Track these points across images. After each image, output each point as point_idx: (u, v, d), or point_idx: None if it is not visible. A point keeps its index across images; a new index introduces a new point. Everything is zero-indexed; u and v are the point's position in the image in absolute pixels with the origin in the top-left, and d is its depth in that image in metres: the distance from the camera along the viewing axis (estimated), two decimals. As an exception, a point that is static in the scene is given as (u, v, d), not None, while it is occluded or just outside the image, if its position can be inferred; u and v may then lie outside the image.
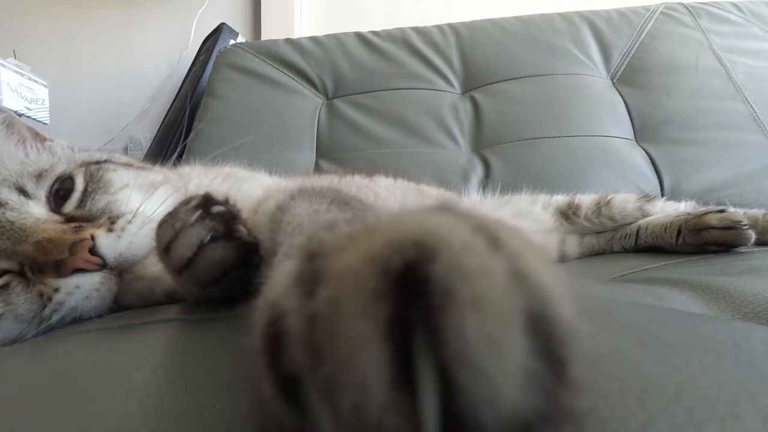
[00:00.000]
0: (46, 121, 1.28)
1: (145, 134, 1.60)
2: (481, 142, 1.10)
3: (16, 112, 1.20)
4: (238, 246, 0.26)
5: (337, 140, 1.11)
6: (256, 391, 0.10)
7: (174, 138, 1.26)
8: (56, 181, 0.37)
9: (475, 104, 1.14)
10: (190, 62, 1.60)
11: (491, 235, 0.10)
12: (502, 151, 1.06)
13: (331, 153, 1.10)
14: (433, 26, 1.26)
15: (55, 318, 0.31)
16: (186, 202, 0.26)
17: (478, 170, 1.05)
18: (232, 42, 1.48)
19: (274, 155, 1.02)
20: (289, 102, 1.16)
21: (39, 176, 0.37)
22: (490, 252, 0.10)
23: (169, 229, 0.25)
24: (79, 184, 0.37)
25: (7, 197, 0.35)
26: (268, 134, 1.09)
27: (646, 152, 1.02)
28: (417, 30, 1.26)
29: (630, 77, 1.11)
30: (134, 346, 0.22)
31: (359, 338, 0.09)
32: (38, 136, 0.43)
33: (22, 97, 1.16)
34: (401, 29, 1.27)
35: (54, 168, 0.38)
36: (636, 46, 1.14)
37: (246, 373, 0.11)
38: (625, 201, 0.68)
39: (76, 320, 0.31)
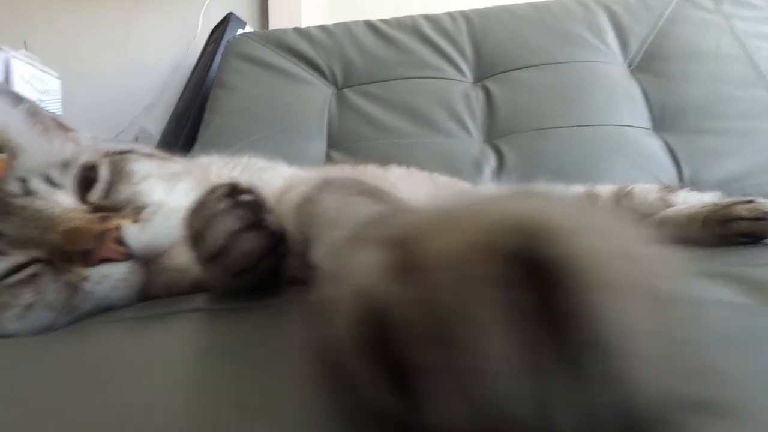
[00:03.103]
0: (58, 112, 1.28)
1: (155, 125, 1.59)
2: (493, 132, 1.08)
3: (27, 103, 1.20)
4: (267, 235, 0.25)
5: (348, 130, 1.10)
6: (337, 381, 0.10)
7: (184, 129, 1.26)
8: (81, 170, 0.37)
9: (487, 93, 1.12)
10: (198, 52, 1.59)
11: (598, 219, 0.10)
12: (516, 140, 1.04)
13: (341, 143, 1.09)
14: (444, 13, 1.24)
15: (83, 307, 0.31)
16: (213, 191, 0.25)
17: (491, 160, 1.03)
18: (240, 32, 1.46)
19: (284, 146, 1.01)
20: (298, 92, 1.15)
21: (65, 165, 0.37)
22: (609, 235, 0.10)
23: (198, 219, 0.24)
24: (104, 174, 0.37)
25: (36, 186, 0.35)
26: (278, 125, 1.08)
27: (665, 142, 0.99)
28: (427, 17, 1.23)
29: (648, 64, 1.08)
30: (163, 336, 0.21)
31: (479, 324, 0.08)
32: (61, 126, 0.43)
33: (35, 89, 1.17)
34: (411, 17, 1.24)
35: (78, 157, 0.38)
36: (655, 31, 1.10)
37: (315, 364, 0.10)
38: (646, 191, 0.67)
39: (104, 310, 0.31)
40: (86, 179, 0.37)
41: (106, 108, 1.62)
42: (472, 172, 1.00)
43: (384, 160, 0.82)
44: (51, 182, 0.36)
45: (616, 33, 1.13)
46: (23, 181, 0.35)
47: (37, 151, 0.39)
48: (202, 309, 0.25)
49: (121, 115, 1.58)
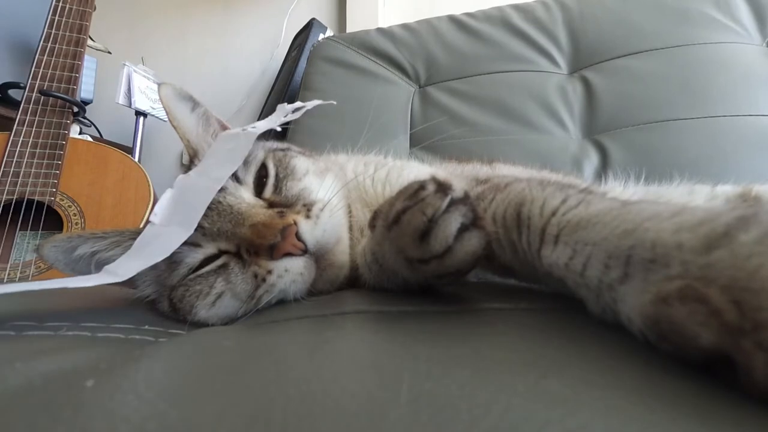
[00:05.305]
0: (165, 119, 1.42)
1: (242, 129, 1.70)
2: (594, 127, 0.98)
3: (144, 111, 1.36)
4: (486, 234, 0.23)
5: (431, 128, 1.07)
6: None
7: (272, 132, 1.32)
8: (258, 167, 0.39)
9: (586, 84, 1.02)
10: (281, 59, 1.68)
11: None
12: (622, 136, 0.93)
13: (425, 141, 1.06)
14: (535, 1, 1.15)
15: (265, 299, 0.32)
16: (418, 187, 0.24)
17: (593, 158, 0.93)
18: (321, 36, 1.50)
19: (369, 145, 1.01)
20: (381, 91, 1.15)
21: (245, 163, 0.38)
22: None
23: (419, 216, 0.23)
24: (272, 170, 0.38)
25: (226, 183, 0.37)
26: (363, 124, 1.08)
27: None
28: (516, 7, 1.16)
29: (796, 42, 0.91)
30: (344, 335, 0.20)
31: None
32: (224, 127, 0.46)
33: (149, 98, 1.30)
34: (499, 8, 1.18)
35: (256, 155, 0.39)
36: (805, 2, 0.92)
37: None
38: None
39: (278, 303, 0.32)
40: (259, 176, 0.38)
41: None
42: (571, 171, 0.91)
43: (472, 157, 0.78)
44: (237, 179, 0.37)
45: (751, 7, 0.96)
46: None
47: None
48: (371, 311, 0.23)
49: (216, 120, 1.71)
